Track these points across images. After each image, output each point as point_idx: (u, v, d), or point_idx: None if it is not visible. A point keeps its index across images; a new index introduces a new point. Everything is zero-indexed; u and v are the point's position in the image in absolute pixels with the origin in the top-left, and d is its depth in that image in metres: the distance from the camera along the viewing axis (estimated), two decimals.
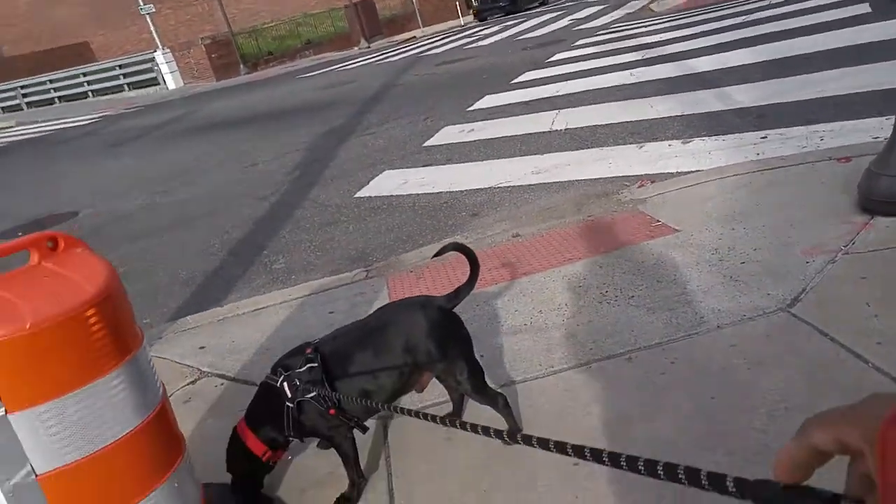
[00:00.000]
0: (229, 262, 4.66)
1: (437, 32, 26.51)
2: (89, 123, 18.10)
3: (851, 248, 2.65)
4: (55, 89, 28.34)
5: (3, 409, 1.29)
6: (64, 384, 1.34)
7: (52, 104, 28.28)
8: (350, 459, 1.92)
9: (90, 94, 27.63)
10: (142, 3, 23.65)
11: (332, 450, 1.97)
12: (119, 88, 26.69)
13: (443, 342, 1.89)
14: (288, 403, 1.81)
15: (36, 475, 1.34)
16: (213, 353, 3.10)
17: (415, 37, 26.63)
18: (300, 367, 1.81)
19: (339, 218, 5.06)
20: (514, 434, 0.91)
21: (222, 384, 2.81)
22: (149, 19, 24.25)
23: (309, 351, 1.84)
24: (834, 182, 3.32)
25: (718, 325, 2.36)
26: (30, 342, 1.29)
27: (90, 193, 8.01)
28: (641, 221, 3.53)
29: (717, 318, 2.40)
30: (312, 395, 1.78)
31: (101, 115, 19.92)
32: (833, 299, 2.34)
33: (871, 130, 4.16)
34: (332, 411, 1.79)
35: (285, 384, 1.81)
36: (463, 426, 1.02)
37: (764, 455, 1.72)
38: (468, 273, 1.98)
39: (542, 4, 29.32)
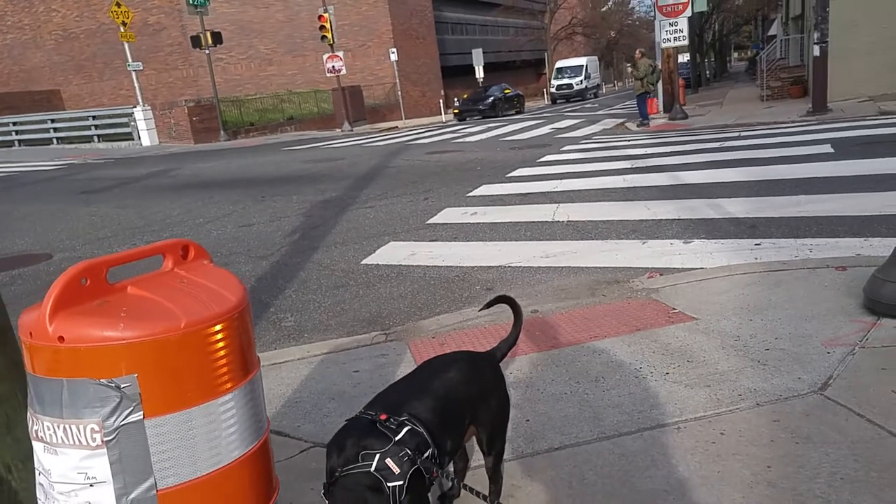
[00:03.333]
0: None
1: (419, 125, 27.57)
2: (54, 169, 17.88)
3: (866, 343, 2.87)
4: (17, 132, 28.28)
5: (141, 413, 1.24)
6: (201, 393, 1.31)
7: (11, 146, 27.97)
8: None
9: (55, 140, 27.61)
10: (130, 60, 24.04)
11: None
12: (88, 139, 26.74)
13: (497, 398, 1.91)
14: (393, 484, 1.51)
15: (157, 490, 1.26)
16: None
17: (397, 126, 27.60)
18: (395, 437, 1.56)
19: (348, 282, 5.13)
20: None
21: None
22: (134, 76, 24.58)
23: (384, 417, 1.62)
24: (836, 286, 3.60)
25: (758, 402, 2.51)
26: (181, 343, 1.27)
27: (66, 238, 7.84)
28: (658, 309, 3.72)
29: (754, 397, 2.55)
30: (425, 461, 1.57)
31: (66, 162, 19.75)
32: (860, 386, 2.52)
33: (853, 248, 4.54)
34: (434, 474, 1.60)
35: (390, 460, 1.52)
36: None
37: None
38: (509, 331, 2.07)
39: (517, 113, 31.32)
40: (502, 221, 6.57)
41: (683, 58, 32.16)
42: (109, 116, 26.70)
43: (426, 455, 1.59)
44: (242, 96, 31.24)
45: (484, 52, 34.71)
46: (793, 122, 13.01)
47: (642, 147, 11.75)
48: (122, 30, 22.95)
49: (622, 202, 6.92)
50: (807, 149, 9.08)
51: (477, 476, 2.17)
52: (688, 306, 3.65)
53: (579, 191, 7.83)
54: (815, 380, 2.61)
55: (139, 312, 1.26)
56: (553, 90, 42.37)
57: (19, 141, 28.17)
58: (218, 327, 1.32)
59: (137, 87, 24.88)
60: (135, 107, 25.47)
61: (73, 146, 26.35)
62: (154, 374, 1.24)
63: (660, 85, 18.20)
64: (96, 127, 26.65)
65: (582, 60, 43.89)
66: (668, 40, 16.86)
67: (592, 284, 4.33)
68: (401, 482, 1.52)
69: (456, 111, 30.90)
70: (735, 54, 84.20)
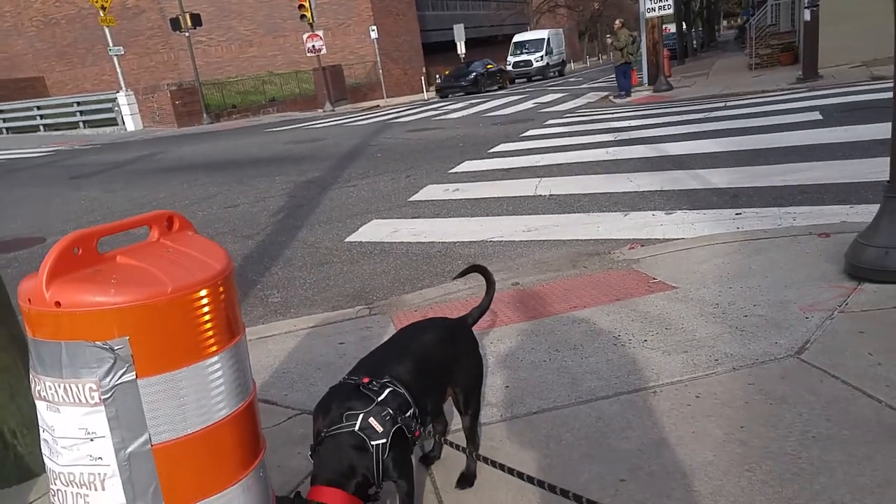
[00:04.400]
0: None
1: (400, 104, 27.36)
2: (42, 156, 17.67)
3: (846, 307, 2.89)
4: (4, 120, 27.94)
5: (133, 373, 1.31)
6: (189, 355, 1.38)
7: None
8: (414, 496, 1.72)
9: (42, 127, 27.27)
10: (111, 45, 23.65)
11: None
12: (74, 125, 26.41)
13: (471, 359, 2.00)
14: (377, 442, 1.58)
15: (151, 444, 1.34)
16: None
17: (378, 105, 27.41)
18: (378, 398, 1.63)
19: (332, 259, 5.12)
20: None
21: None
22: (116, 61, 24.20)
23: (367, 380, 1.68)
24: (817, 252, 3.62)
25: (734, 367, 2.53)
26: (168, 307, 1.33)
27: (58, 221, 7.78)
28: (638, 278, 3.74)
29: (731, 361, 2.57)
30: (405, 419, 1.63)
31: (53, 148, 19.51)
32: (837, 349, 2.55)
33: (837, 215, 4.56)
34: (416, 433, 1.67)
35: (373, 419, 1.59)
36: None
37: (800, 476, 1.86)
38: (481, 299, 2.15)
39: (500, 88, 30.91)
40: (484, 197, 6.56)
41: (670, 28, 31.90)
42: (93, 102, 26.32)
43: (408, 414, 1.65)
44: (224, 79, 30.86)
45: (465, 28, 34.26)
46: (781, 90, 12.96)
47: (626, 120, 11.72)
48: (102, 14, 22.51)
49: (605, 175, 6.92)
50: (794, 117, 9.09)
51: (455, 438, 2.18)
52: (668, 276, 3.66)
53: (562, 164, 7.82)
54: (792, 344, 2.64)
55: (128, 279, 1.32)
56: (510, 68, 37.05)
57: (6, 129, 27.83)
58: (203, 293, 1.38)
59: (119, 73, 24.50)
60: (118, 92, 25.11)
61: (59, 133, 26.06)
62: (144, 336, 1.30)
63: (644, 56, 18.12)
64: (81, 113, 26.29)
65: (543, 33, 39.38)
66: (653, 10, 16.65)
67: (574, 256, 4.34)
68: (384, 440, 1.59)
69: (437, 88, 30.31)
70: (724, 22, 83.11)
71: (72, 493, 1.35)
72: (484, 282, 2.17)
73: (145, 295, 1.30)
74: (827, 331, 2.71)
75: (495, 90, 30.17)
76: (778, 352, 2.59)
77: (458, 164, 8.75)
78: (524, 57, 37.75)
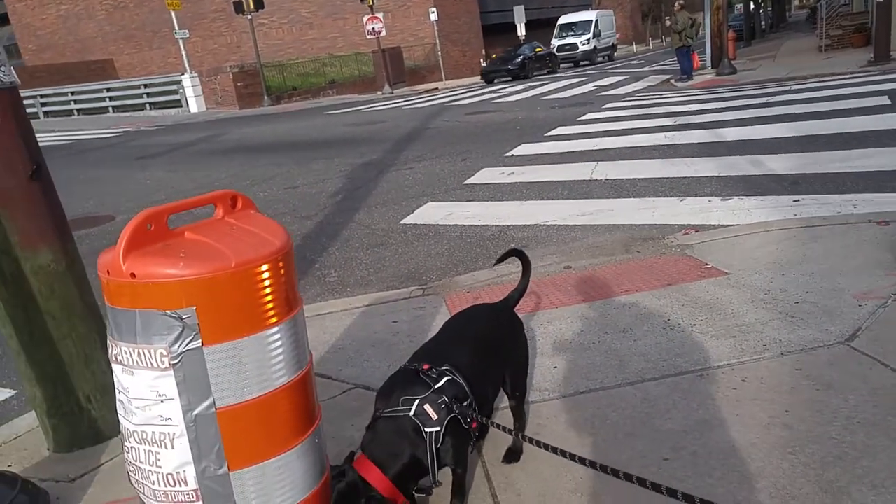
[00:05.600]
0: None
1: (459, 86, 27.29)
2: (111, 137, 18.52)
3: None
4: (76, 101, 29.26)
5: (200, 340, 1.42)
6: (250, 325, 1.47)
7: (70, 115, 29.02)
8: (466, 487, 1.73)
9: (111, 109, 28.49)
10: (177, 28, 24.47)
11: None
12: (141, 107, 27.55)
13: (518, 342, 2.05)
14: (431, 429, 1.59)
15: (216, 408, 1.44)
16: None
17: (437, 88, 27.44)
18: (434, 385, 1.65)
19: (388, 241, 5.28)
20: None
21: None
22: (181, 44, 25.04)
23: (426, 367, 1.70)
24: (875, 241, 3.56)
25: (782, 352, 2.55)
26: (232, 280, 1.43)
27: (126, 200, 8.22)
28: (691, 264, 3.75)
29: (779, 347, 2.59)
30: (462, 408, 1.63)
31: (121, 130, 20.42)
32: (889, 338, 2.53)
33: None
34: (474, 424, 1.67)
35: (428, 406, 1.60)
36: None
37: (843, 460, 1.89)
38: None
39: (549, 73, 29.68)
40: (539, 181, 6.60)
41: (739, 8, 30.59)
42: (160, 84, 27.40)
43: (465, 403, 1.66)
44: (285, 61, 31.45)
45: (526, 9, 33.84)
46: (851, 73, 12.42)
47: (686, 104, 11.48)
48: None
49: (662, 159, 6.85)
50: (861, 101, 8.75)
51: (502, 415, 2.30)
52: (721, 262, 3.67)
53: (619, 149, 7.77)
54: (843, 331, 2.64)
55: (196, 253, 1.43)
56: (554, 51, 33.30)
57: (77, 110, 29.15)
58: (264, 267, 1.47)
59: (185, 55, 25.36)
60: (182, 74, 26.00)
61: (127, 114, 27.18)
62: (210, 307, 1.40)
63: (707, 38, 17.57)
64: (148, 95, 27.44)
65: (591, 14, 36.12)
66: None
67: (627, 241, 4.37)
68: (437, 428, 1.60)
69: (482, 73, 28.06)
70: (796, 2, 79.34)
71: (144, 450, 1.47)
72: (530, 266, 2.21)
73: (211, 268, 1.40)
74: (880, 319, 2.69)
75: (544, 74, 29.10)
76: (828, 338, 2.60)
77: (515, 147, 8.79)
78: (569, 40, 34.62)
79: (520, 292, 2.16)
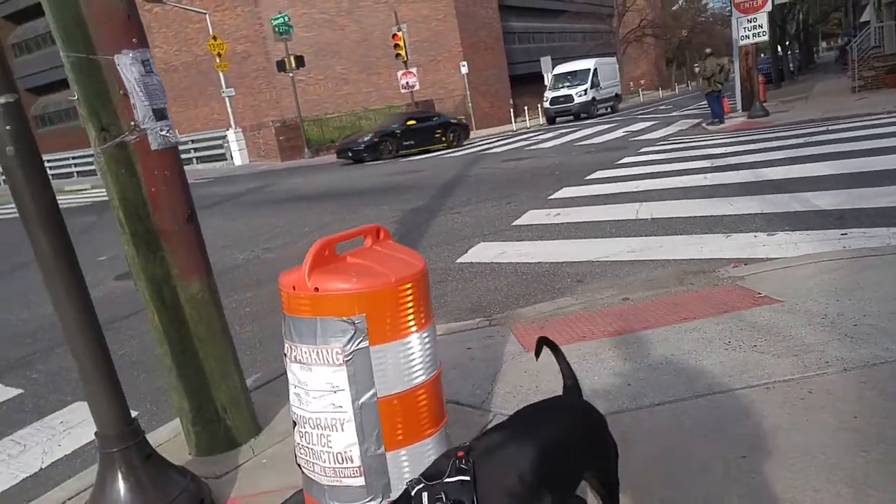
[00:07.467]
0: None
1: (490, 135, 28.01)
2: None
3: None
4: None
5: (367, 341, 1.75)
6: (402, 330, 1.81)
7: None
8: None
9: None
10: (224, 87, 25.78)
11: None
12: (188, 161, 28.82)
13: (602, 444, 1.73)
14: None
15: (378, 398, 1.78)
16: None
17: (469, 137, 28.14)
18: (444, 477, 1.45)
19: (447, 278, 5.57)
20: None
21: None
22: (227, 101, 26.32)
23: (461, 454, 1.49)
24: None
25: (845, 367, 2.75)
26: (392, 293, 1.78)
27: None
28: (744, 293, 3.95)
29: (842, 364, 2.79)
30: None
31: None
32: None
33: None
34: None
35: (424, 495, 1.42)
36: None
37: None
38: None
39: (612, 111, 30.96)
40: (586, 221, 6.88)
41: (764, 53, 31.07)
42: (206, 140, 29.12)
43: None
44: (322, 115, 32.70)
45: (552, 59, 34.80)
46: (888, 112, 12.55)
47: (722, 146, 11.74)
48: (218, 60, 24.64)
49: (704, 199, 7.09)
50: None
51: None
52: (773, 291, 3.86)
53: (660, 190, 8.03)
54: None
55: (362, 272, 1.79)
56: (546, 105, 31.20)
57: None
58: (412, 284, 1.82)
59: (230, 112, 26.60)
60: (227, 129, 27.31)
61: None
62: (374, 314, 1.75)
63: (737, 82, 17.93)
64: (195, 150, 29.11)
65: (589, 63, 32.91)
66: (747, 37, 16.54)
67: (679, 274, 4.59)
68: None
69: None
70: (823, 44, 79.78)
71: (317, 434, 1.79)
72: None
73: (377, 284, 1.76)
74: None
75: (608, 113, 30.72)
76: (890, 356, 2.78)
77: (557, 190, 9.11)
78: (564, 91, 31.05)
79: (571, 376, 1.84)
